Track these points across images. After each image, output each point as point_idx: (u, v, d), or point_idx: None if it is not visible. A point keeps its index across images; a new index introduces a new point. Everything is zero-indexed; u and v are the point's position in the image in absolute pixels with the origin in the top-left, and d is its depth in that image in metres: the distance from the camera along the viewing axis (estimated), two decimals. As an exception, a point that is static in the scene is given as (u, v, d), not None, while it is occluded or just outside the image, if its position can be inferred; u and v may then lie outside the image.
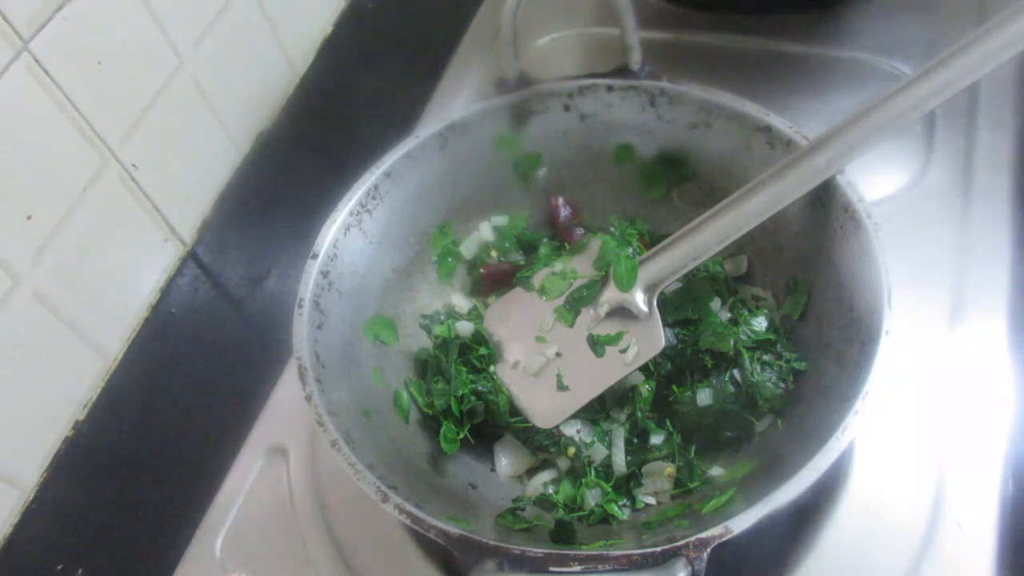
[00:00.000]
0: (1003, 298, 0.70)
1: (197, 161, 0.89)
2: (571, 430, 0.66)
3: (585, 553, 0.50)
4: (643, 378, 0.67)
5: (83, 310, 0.76)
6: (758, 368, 0.64)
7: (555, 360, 0.68)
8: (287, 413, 0.74)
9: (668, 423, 0.66)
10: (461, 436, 0.67)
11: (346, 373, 0.64)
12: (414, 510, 0.53)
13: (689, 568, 0.48)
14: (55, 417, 0.76)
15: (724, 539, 0.49)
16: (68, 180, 0.73)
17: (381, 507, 0.53)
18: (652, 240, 0.73)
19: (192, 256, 0.88)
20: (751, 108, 0.68)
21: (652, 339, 0.65)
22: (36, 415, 0.74)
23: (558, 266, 0.71)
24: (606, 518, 0.64)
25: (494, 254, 0.77)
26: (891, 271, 0.58)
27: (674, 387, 0.66)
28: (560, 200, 0.77)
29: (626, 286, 0.67)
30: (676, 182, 0.75)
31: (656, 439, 0.66)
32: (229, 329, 0.84)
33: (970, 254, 0.73)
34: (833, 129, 0.61)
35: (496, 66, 0.95)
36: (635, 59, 0.71)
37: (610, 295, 0.67)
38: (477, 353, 0.70)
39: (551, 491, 0.66)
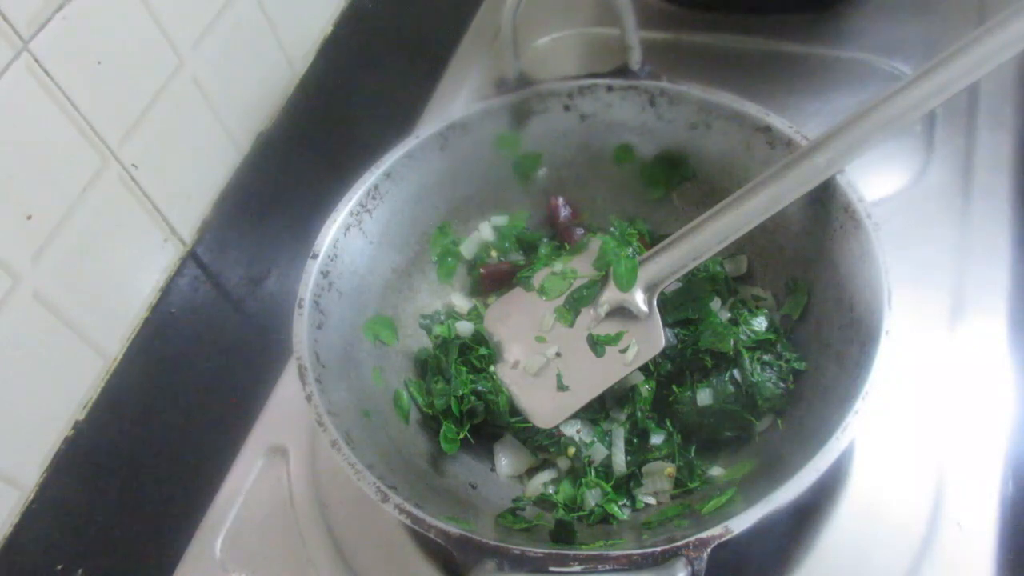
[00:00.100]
0: (1003, 298, 0.70)
1: (197, 161, 0.89)
2: (571, 430, 0.66)
3: (585, 553, 0.50)
4: (643, 378, 0.67)
5: (83, 310, 0.76)
6: (758, 368, 0.64)
7: (555, 360, 0.68)
8: (287, 413, 0.74)
9: (668, 423, 0.66)
10: (461, 436, 0.67)
11: (346, 373, 0.64)
12: (414, 510, 0.53)
13: (689, 568, 0.48)
14: (55, 417, 0.76)
15: (724, 539, 0.49)
16: (68, 180, 0.73)
17: (381, 507, 0.53)
18: (652, 240, 0.73)
19: (192, 256, 0.88)
20: (751, 108, 0.68)
21: (652, 339, 0.65)
22: (36, 415, 0.74)
23: (558, 266, 0.71)
24: (606, 518, 0.64)
25: (494, 254, 0.77)
26: (891, 271, 0.58)
27: (674, 387, 0.66)
28: (560, 200, 0.77)
29: (626, 286, 0.67)
30: (676, 182, 0.75)
31: (656, 439, 0.66)
32: (229, 329, 0.84)
33: (970, 254, 0.73)
34: (833, 129, 0.61)
35: (496, 66, 0.95)
36: (635, 59, 0.71)
37: (610, 295, 0.67)
38: (477, 353, 0.70)
39: (551, 491, 0.66)
